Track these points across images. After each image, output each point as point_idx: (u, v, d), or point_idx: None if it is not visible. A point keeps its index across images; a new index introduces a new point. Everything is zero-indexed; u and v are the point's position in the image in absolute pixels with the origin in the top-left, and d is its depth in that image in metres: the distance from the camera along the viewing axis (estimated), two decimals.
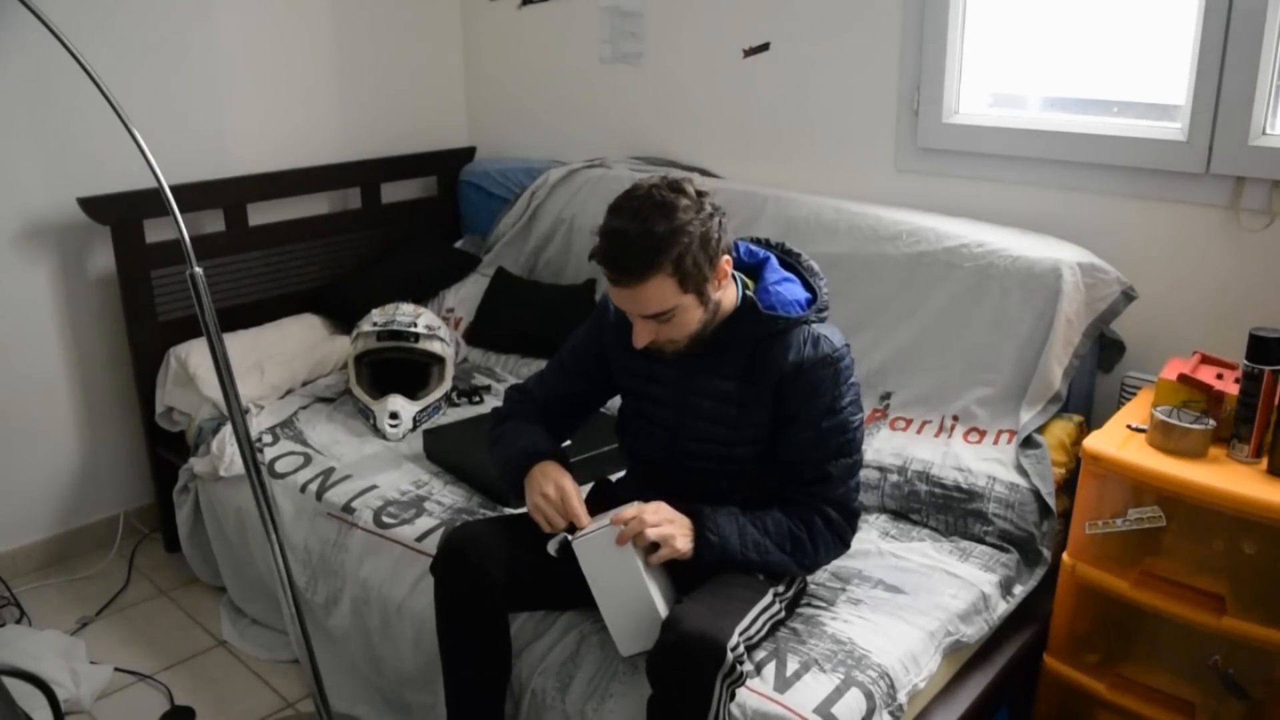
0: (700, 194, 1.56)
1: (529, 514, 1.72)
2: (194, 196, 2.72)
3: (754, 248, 1.77)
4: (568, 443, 1.77)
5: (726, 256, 1.60)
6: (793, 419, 1.66)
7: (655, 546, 1.58)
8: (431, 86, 3.40)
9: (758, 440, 1.70)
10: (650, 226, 1.50)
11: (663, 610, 1.58)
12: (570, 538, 1.62)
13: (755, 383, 1.67)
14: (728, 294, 1.66)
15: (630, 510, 1.58)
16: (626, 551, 1.57)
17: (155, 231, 2.65)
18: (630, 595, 1.59)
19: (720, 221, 1.58)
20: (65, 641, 2.37)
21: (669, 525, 1.59)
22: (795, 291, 1.71)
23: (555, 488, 1.68)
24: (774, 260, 1.75)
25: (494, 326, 2.97)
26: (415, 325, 2.63)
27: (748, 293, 1.69)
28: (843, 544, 1.71)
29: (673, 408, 1.73)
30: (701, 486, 1.71)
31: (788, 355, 1.65)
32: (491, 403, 2.68)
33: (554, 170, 3.07)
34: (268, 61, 2.96)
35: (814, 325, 1.68)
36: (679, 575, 1.66)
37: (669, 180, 1.57)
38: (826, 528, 1.67)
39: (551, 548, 1.67)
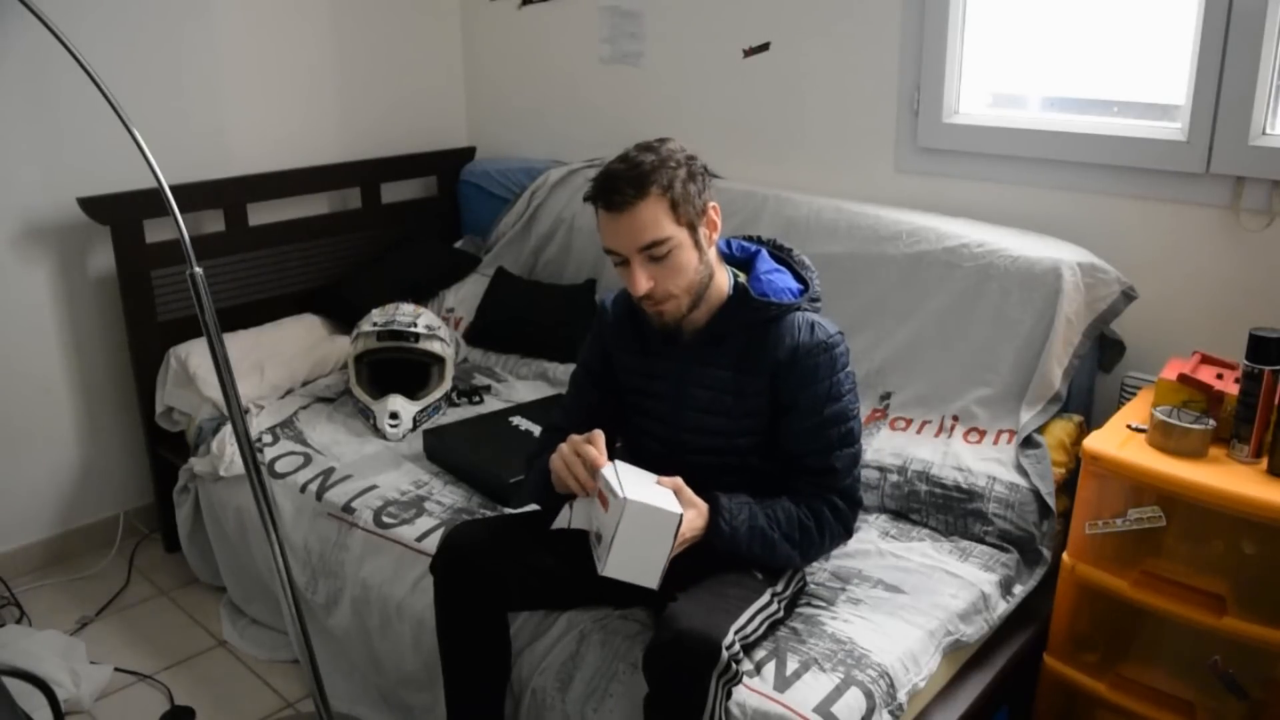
0: (683, 147, 1.65)
1: (554, 490, 1.67)
2: (194, 196, 2.72)
3: (745, 243, 1.81)
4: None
5: (714, 204, 1.66)
6: (793, 407, 1.67)
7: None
8: (431, 86, 3.40)
9: (756, 430, 1.71)
10: (640, 160, 1.59)
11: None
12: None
13: (751, 370, 1.68)
14: (720, 282, 1.69)
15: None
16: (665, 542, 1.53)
17: (155, 231, 2.65)
18: (645, 561, 1.54)
19: (703, 167, 1.65)
20: (65, 641, 2.37)
21: (690, 530, 1.57)
22: (787, 281, 1.74)
23: (564, 448, 1.63)
24: (765, 253, 1.78)
25: (494, 326, 2.97)
26: (415, 325, 2.63)
27: (740, 281, 1.71)
28: (847, 533, 1.73)
29: (670, 401, 1.73)
30: (701, 481, 1.71)
31: (784, 341, 1.66)
32: (492, 403, 2.68)
33: (554, 170, 3.07)
34: (268, 61, 2.96)
35: (808, 313, 1.70)
36: (679, 571, 1.65)
37: (653, 138, 1.66)
38: (835, 518, 1.68)
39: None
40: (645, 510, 1.50)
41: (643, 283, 1.60)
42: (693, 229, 1.61)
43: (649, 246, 1.58)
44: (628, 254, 1.60)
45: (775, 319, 1.68)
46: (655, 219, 1.57)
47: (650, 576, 1.53)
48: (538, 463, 1.78)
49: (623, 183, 1.57)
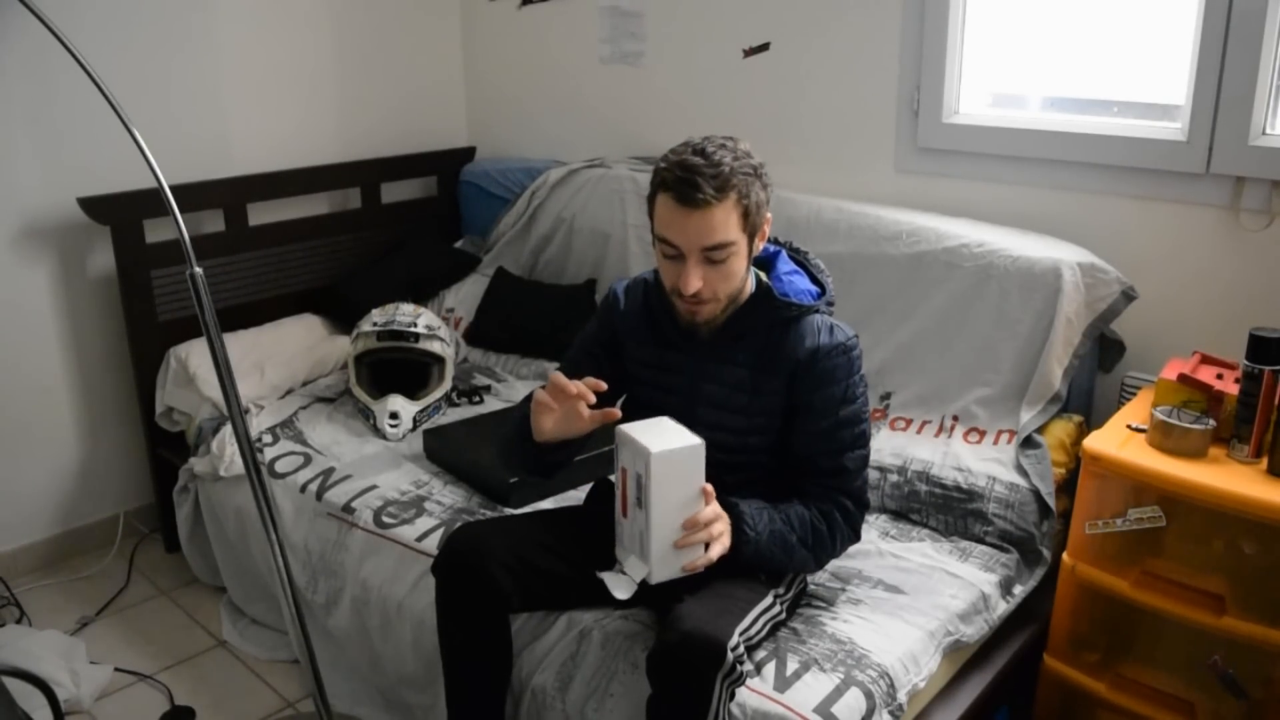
0: (751, 150, 1.62)
1: (546, 403, 1.65)
2: (194, 196, 2.72)
3: (765, 243, 1.79)
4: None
5: (769, 216, 1.65)
6: (808, 407, 1.67)
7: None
8: (431, 86, 3.40)
9: (769, 430, 1.71)
10: (720, 159, 1.55)
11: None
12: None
13: (768, 370, 1.68)
14: (747, 281, 1.69)
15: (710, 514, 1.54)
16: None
17: (155, 231, 2.65)
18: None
19: (768, 176, 1.63)
20: (65, 641, 2.37)
21: (722, 535, 1.55)
22: (805, 283, 1.75)
23: (543, 388, 1.64)
24: (785, 254, 1.79)
25: (494, 326, 2.97)
26: (415, 325, 2.63)
27: (762, 280, 1.71)
28: (855, 536, 1.73)
29: (683, 396, 1.73)
30: (709, 477, 1.71)
31: (804, 341, 1.67)
32: (492, 403, 2.68)
33: (554, 170, 3.07)
34: (268, 61, 2.96)
35: (825, 315, 1.72)
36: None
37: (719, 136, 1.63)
38: (844, 520, 1.69)
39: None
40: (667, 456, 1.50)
41: (694, 282, 1.59)
42: (751, 238, 1.62)
43: (713, 248, 1.57)
44: (687, 251, 1.58)
45: (794, 319, 1.69)
46: (726, 223, 1.56)
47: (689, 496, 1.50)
48: (516, 423, 1.76)
49: (704, 180, 1.53)
